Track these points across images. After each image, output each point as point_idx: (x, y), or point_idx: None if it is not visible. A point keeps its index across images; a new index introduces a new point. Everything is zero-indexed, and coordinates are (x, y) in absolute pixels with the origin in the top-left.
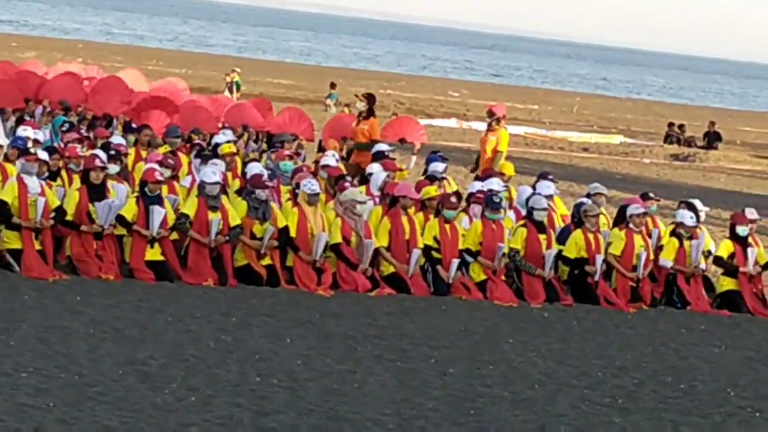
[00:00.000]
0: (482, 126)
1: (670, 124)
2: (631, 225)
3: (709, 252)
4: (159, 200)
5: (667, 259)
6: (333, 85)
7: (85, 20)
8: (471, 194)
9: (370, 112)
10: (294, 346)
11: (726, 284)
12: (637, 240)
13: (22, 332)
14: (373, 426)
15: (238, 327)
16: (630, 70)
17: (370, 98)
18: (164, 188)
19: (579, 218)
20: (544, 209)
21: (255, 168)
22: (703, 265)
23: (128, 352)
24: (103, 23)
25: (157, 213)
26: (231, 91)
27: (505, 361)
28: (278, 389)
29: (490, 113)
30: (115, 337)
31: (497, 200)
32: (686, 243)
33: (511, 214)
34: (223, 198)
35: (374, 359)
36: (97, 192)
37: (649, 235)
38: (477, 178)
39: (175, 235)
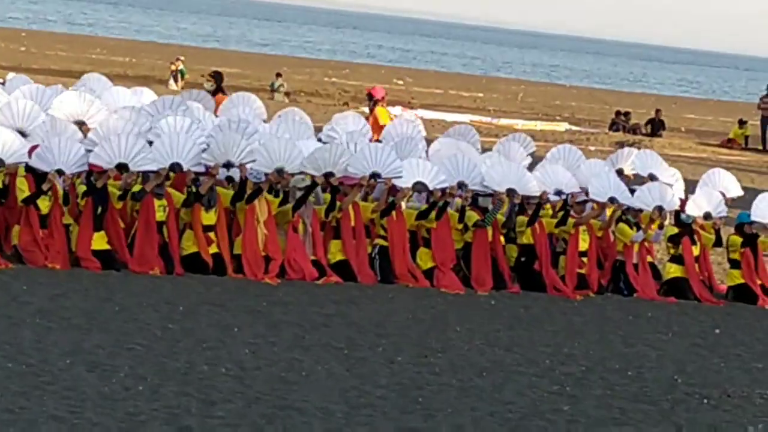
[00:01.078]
0: (429, 114)
1: (617, 113)
2: (573, 212)
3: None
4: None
5: (638, 234)
6: (278, 75)
7: (29, 8)
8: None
9: (217, 90)
10: (241, 335)
11: (673, 271)
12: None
13: None
14: (321, 414)
15: (186, 316)
16: (578, 58)
17: (216, 76)
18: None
19: (523, 205)
20: (489, 195)
21: None
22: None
23: (75, 341)
24: (55, 11)
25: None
26: (176, 80)
27: (453, 349)
28: (226, 378)
29: (370, 96)
30: (62, 327)
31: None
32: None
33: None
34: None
35: (322, 347)
36: None
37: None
38: None
39: (122, 224)
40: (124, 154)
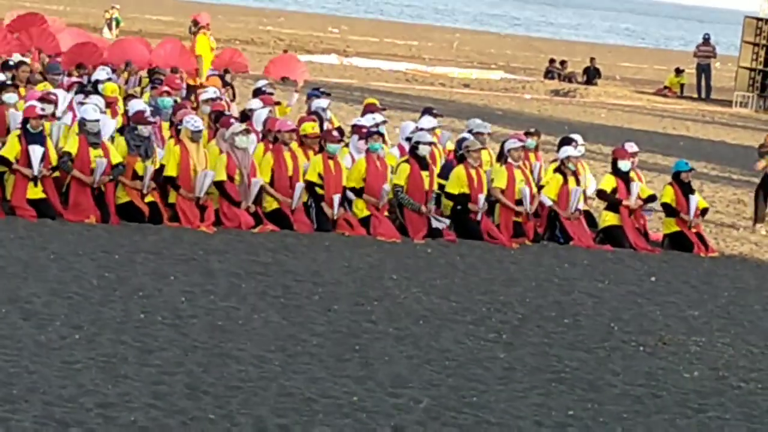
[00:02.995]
0: (365, 62)
1: (551, 60)
2: (510, 160)
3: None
4: (41, 138)
5: (547, 197)
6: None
7: None
8: (354, 126)
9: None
10: (178, 283)
11: (608, 219)
12: (518, 174)
13: None
14: (258, 362)
15: (121, 264)
16: (516, 6)
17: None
18: (47, 125)
19: (461, 154)
20: (429, 143)
21: (137, 105)
22: (581, 205)
23: (11, 290)
24: None
25: (38, 151)
26: (110, 28)
27: (389, 297)
28: (162, 326)
29: (195, 22)
30: None
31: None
32: (571, 181)
33: (394, 150)
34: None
35: (258, 296)
36: None
37: (531, 171)
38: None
39: (56, 173)
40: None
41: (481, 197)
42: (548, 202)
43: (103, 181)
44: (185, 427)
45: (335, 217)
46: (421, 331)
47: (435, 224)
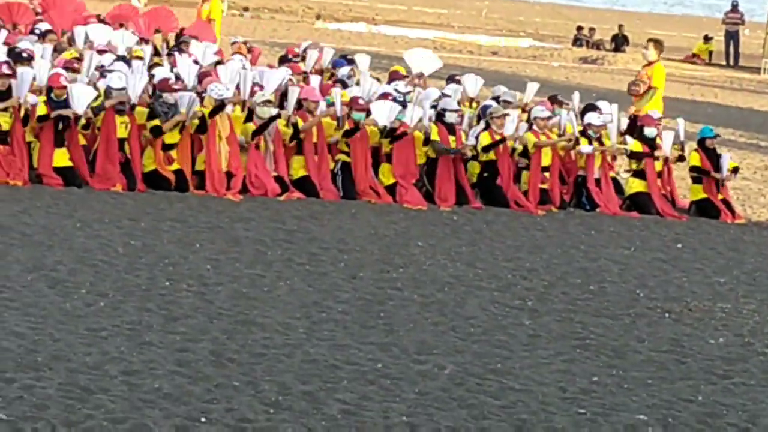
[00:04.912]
0: (393, 30)
1: (579, 28)
2: (535, 127)
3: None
4: (66, 106)
5: (586, 145)
6: None
7: None
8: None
9: None
10: (203, 251)
11: (635, 186)
12: (543, 140)
13: None
14: (283, 330)
15: (147, 232)
16: None
17: None
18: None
19: (486, 121)
20: (455, 110)
21: (162, 72)
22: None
23: (37, 257)
24: None
25: (83, 91)
26: None
27: (415, 264)
28: (188, 294)
29: None
30: (24, 243)
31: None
32: (595, 146)
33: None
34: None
35: (284, 263)
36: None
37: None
38: None
39: (83, 140)
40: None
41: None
42: (589, 149)
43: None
44: (210, 394)
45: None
46: (446, 298)
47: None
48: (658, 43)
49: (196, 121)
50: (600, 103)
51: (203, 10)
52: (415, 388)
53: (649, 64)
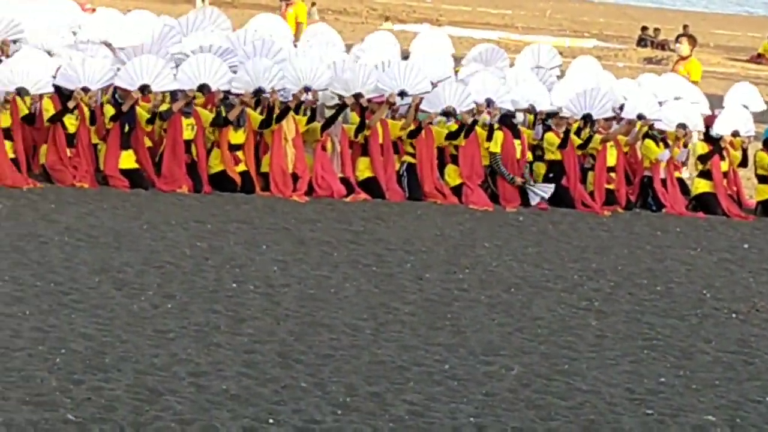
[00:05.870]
0: (457, 31)
1: (644, 28)
2: (599, 128)
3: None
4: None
5: (664, 152)
6: None
7: None
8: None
9: None
10: (270, 253)
11: (701, 186)
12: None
13: None
14: (350, 331)
15: (214, 234)
16: None
17: None
18: None
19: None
20: (524, 111)
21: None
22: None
23: (104, 259)
24: None
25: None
26: None
27: (481, 265)
28: (254, 295)
29: None
30: (91, 245)
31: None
32: (660, 146)
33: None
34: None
35: (350, 264)
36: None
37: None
38: None
39: (149, 142)
40: (147, 75)
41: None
42: (666, 156)
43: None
44: (277, 395)
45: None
46: (513, 299)
47: (536, 196)
48: (691, 38)
49: (260, 117)
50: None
51: (288, 14)
52: (483, 389)
53: (683, 59)
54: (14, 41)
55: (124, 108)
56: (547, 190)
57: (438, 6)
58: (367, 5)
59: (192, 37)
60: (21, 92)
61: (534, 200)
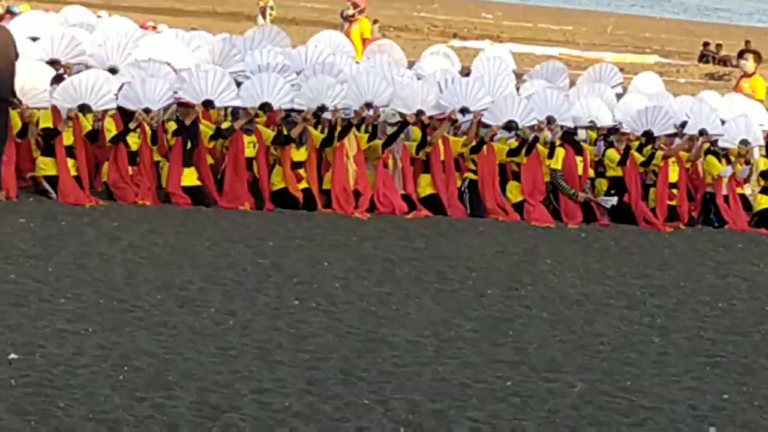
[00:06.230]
0: (518, 47)
1: (705, 44)
2: (660, 144)
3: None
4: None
5: (727, 168)
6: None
7: None
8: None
9: None
10: (332, 269)
11: (764, 202)
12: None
13: (59, 258)
14: (412, 347)
15: (276, 251)
16: None
17: None
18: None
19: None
20: (587, 128)
21: None
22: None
23: (166, 277)
24: None
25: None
26: (264, 16)
27: (543, 282)
28: (316, 312)
29: (355, 5)
30: (153, 262)
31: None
32: (723, 162)
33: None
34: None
35: (412, 281)
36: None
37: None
38: None
39: (211, 160)
40: (210, 90)
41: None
42: (729, 172)
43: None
44: (339, 413)
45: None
46: (575, 315)
47: (603, 202)
48: (756, 55)
49: (321, 135)
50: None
51: (353, 30)
52: (545, 405)
53: (748, 75)
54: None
55: (187, 122)
56: (610, 201)
57: (499, 22)
58: (428, 22)
59: (252, 55)
60: (84, 109)
61: (607, 203)
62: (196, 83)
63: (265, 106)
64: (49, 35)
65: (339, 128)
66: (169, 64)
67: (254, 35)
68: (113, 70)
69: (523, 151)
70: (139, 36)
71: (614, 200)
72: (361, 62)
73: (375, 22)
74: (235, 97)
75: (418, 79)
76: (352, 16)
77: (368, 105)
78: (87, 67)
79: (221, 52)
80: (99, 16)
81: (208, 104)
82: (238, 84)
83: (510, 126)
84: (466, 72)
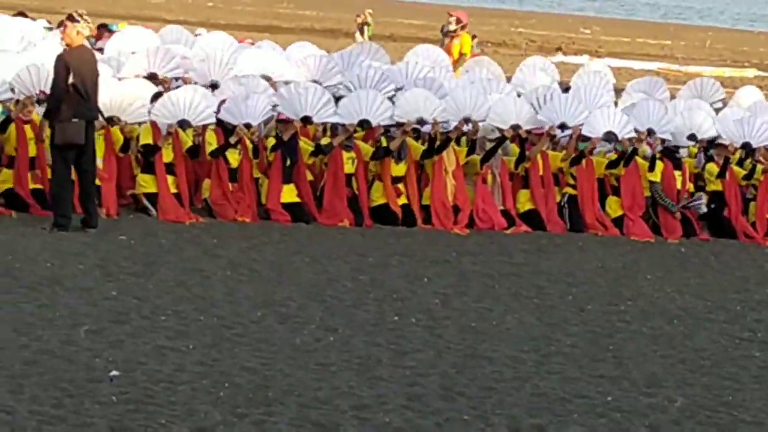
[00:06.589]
0: (617, 62)
1: None
2: (759, 157)
3: None
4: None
5: None
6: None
7: None
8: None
9: None
10: (431, 285)
11: None
12: None
13: (160, 276)
14: (512, 363)
15: (375, 267)
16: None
17: None
18: None
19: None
20: (685, 147)
21: None
22: None
23: (266, 293)
24: None
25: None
26: (362, 32)
27: (643, 297)
28: (416, 328)
29: (458, 20)
30: (253, 279)
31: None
32: None
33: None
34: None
35: (512, 297)
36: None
37: None
38: None
39: (310, 176)
40: (309, 106)
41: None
42: None
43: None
44: (440, 428)
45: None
46: (675, 330)
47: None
48: None
49: (421, 147)
50: None
51: (454, 45)
52: (646, 421)
53: None
54: (176, 78)
55: (285, 137)
56: (700, 202)
57: (597, 37)
58: (526, 37)
59: (351, 71)
60: (183, 125)
61: (699, 207)
62: (296, 100)
63: (364, 123)
64: (146, 50)
65: (438, 142)
66: (268, 79)
67: (354, 51)
68: (215, 86)
69: (622, 162)
70: (237, 50)
71: (704, 200)
72: (460, 77)
73: (474, 37)
74: (333, 113)
75: (518, 94)
76: (455, 31)
77: (467, 120)
78: (186, 82)
79: (319, 67)
80: (198, 34)
81: (306, 120)
82: (337, 99)
83: (609, 137)
84: (565, 87)
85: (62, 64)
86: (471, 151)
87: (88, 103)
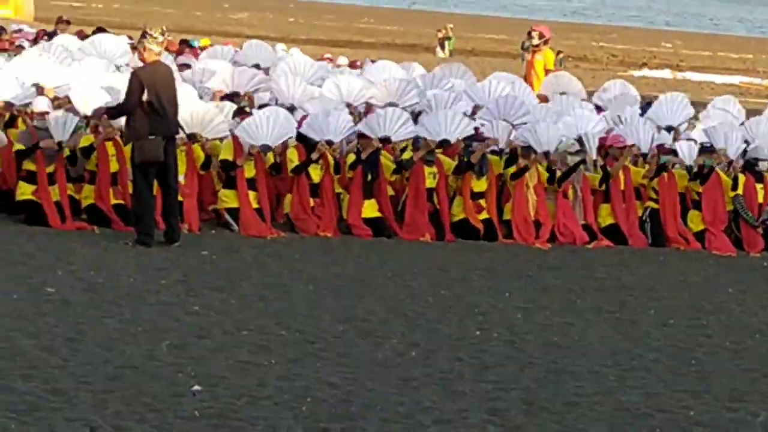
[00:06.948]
0: (698, 76)
1: None
2: None
3: None
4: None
5: None
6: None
7: None
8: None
9: None
10: (513, 300)
11: None
12: None
13: (242, 290)
14: (594, 377)
15: (457, 281)
16: None
17: None
18: None
19: None
20: (766, 160)
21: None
22: None
23: (348, 308)
24: None
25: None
26: (443, 47)
27: (726, 311)
28: (498, 343)
29: (541, 35)
30: (335, 294)
31: None
32: None
33: None
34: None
35: (593, 311)
36: None
37: None
38: None
39: (391, 191)
40: (388, 127)
41: None
42: None
43: None
44: None
45: None
46: (758, 344)
47: None
48: None
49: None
50: None
51: (537, 61)
52: None
53: None
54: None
55: (363, 155)
56: None
57: (678, 51)
58: (607, 51)
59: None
60: (265, 149)
61: None
62: (373, 121)
63: (444, 143)
64: (227, 69)
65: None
66: (348, 105)
67: (437, 74)
68: (293, 107)
69: (698, 180)
70: (317, 71)
71: None
72: (543, 106)
73: (559, 53)
74: (412, 132)
75: (598, 109)
76: (537, 46)
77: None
78: (269, 101)
79: (397, 90)
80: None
81: (385, 141)
82: (415, 116)
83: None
84: (646, 102)
85: (136, 81)
86: (508, 163)
87: (165, 120)
